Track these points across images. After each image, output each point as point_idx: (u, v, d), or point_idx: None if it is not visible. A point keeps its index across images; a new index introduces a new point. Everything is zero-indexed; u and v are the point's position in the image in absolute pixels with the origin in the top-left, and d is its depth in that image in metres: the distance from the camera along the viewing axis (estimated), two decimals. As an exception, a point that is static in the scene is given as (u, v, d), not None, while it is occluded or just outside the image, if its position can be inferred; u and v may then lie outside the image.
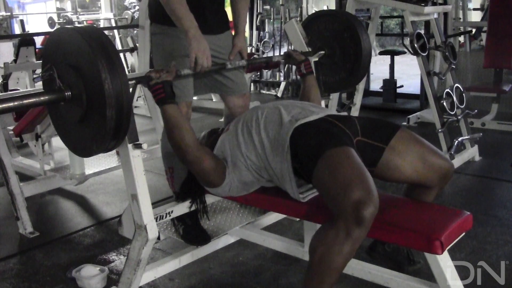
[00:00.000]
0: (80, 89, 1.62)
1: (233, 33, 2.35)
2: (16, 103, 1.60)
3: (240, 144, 1.89)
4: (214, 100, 5.91)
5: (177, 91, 2.12)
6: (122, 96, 1.59)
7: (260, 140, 1.84)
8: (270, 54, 6.59)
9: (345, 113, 1.99)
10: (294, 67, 7.05)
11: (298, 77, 7.60)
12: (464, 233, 1.70)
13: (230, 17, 2.35)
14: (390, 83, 6.02)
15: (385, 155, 1.81)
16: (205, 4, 2.15)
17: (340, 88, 3.15)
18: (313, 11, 6.10)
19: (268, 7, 7.99)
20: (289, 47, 6.00)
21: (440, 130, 3.56)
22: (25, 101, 1.63)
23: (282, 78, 7.19)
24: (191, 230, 2.29)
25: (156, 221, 1.98)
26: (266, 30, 7.79)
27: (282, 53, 3.00)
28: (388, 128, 1.87)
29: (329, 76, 2.81)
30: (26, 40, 4.67)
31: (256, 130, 1.87)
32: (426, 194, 1.90)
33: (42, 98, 1.67)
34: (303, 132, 1.77)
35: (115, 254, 2.59)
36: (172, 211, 2.14)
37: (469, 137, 3.78)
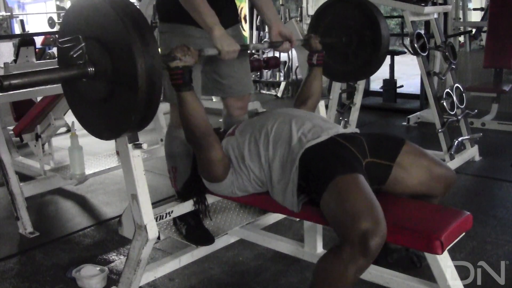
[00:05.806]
0: (106, 65, 1.51)
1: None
2: (34, 78, 1.46)
3: (244, 155, 1.89)
4: (214, 100, 5.90)
5: None
6: (154, 75, 1.48)
7: (266, 155, 1.84)
8: (270, 54, 6.59)
9: (352, 130, 1.96)
10: (294, 67, 7.08)
11: (298, 77, 7.54)
12: (464, 233, 1.71)
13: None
14: (390, 83, 6.02)
15: (393, 172, 1.84)
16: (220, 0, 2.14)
17: (359, 77, 3.24)
18: (313, 11, 6.09)
19: (268, 7, 7.97)
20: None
21: (440, 130, 3.56)
22: (44, 77, 1.48)
23: (282, 78, 7.19)
24: (194, 230, 2.28)
25: (156, 221, 1.98)
26: (266, 30, 7.78)
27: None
28: (394, 144, 1.89)
29: (346, 65, 2.67)
30: (26, 40, 4.65)
31: (264, 145, 1.86)
32: (429, 202, 1.92)
33: (63, 74, 1.53)
34: (313, 154, 1.75)
35: (115, 254, 2.59)
36: (172, 211, 2.13)
37: (469, 137, 3.78)
